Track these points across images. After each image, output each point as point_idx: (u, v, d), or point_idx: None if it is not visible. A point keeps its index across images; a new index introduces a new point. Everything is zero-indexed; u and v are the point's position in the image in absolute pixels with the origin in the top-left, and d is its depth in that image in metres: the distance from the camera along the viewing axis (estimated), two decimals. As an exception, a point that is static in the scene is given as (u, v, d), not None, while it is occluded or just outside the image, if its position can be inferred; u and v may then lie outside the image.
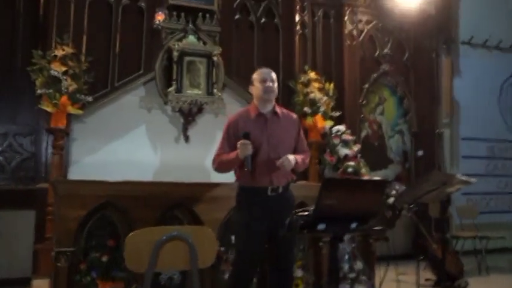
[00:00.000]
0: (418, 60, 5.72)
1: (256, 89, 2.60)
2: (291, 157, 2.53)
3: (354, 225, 2.08)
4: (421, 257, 4.06)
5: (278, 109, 2.65)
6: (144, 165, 4.23)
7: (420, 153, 5.49)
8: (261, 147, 2.51)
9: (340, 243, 2.21)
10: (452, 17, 5.70)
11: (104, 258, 2.86)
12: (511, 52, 6.10)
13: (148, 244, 1.86)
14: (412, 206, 3.30)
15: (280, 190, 2.54)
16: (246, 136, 2.46)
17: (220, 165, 2.58)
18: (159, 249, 1.88)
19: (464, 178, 3.14)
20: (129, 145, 4.28)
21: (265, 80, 2.58)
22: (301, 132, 2.72)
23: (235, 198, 2.61)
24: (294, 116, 2.73)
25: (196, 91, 4.46)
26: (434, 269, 4.19)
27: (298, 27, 5.01)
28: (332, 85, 4.86)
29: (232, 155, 2.51)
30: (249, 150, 2.45)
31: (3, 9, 4.03)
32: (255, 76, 2.63)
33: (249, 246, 2.51)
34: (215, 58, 4.50)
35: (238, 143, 2.46)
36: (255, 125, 2.56)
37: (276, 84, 2.63)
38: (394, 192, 4.67)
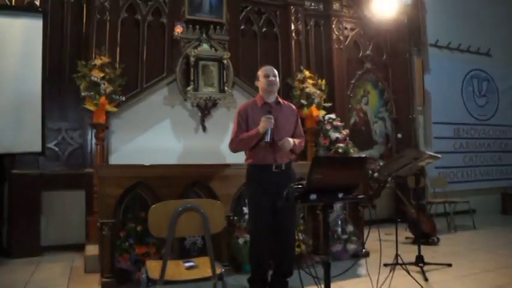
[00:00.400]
0: (395, 59, 5.68)
1: (261, 82, 2.61)
2: (290, 139, 2.54)
3: (340, 195, 2.05)
4: (400, 220, 4.07)
5: (280, 100, 2.66)
6: (169, 151, 4.24)
7: (399, 135, 5.50)
8: (267, 131, 2.47)
9: (331, 210, 2.19)
10: (421, 24, 5.69)
11: (139, 228, 2.87)
12: (469, 52, 6.19)
13: (167, 214, 1.85)
14: (392, 178, 3.26)
15: (283, 167, 2.55)
16: (270, 113, 2.46)
17: (239, 143, 2.54)
18: (177, 218, 1.86)
19: (432, 154, 3.14)
20: (156, 135, 4.28)
21: (268, 75, 2.60)
22: (299, 120, 2.72)
23: (246, 175, 2.61)
24: (293, 106, 2.74)
25: (210, 89, 4.44)
26: (412, 229, 4.21)
27: (293, 34, 4.95)
28: (324, 81, 4.80)
29: (253, 131, 2.50)
30: (272, 123, 2.45)
31: (54, 31, 4.05)
32: (260, 72, 2.64)
33: (259, 217, 2.51)
34: (225, 61, 4.47)
35: (264, 117, 2.44)
36: (262, 112, 2.55)
37: (277, 79, 2.63)
38: (378, 167, 4.63)
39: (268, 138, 2.45)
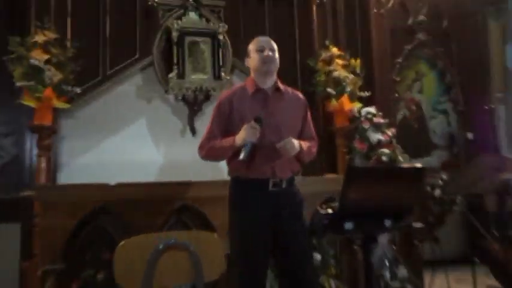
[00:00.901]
0: (461, 26, 5.63)
1: (253, 60, 2.56)
2: (295, 141, 2.47)
3: (388, 222, 2.06)
4: (477, 260, 3.93)
5: (281, 85, 2.59)
6: (145, 164, 4.21)
7: (470, 135, 5.43)
8: (261, 131, 2.42)
9: (374, 245, 2.18)
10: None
11: (100, 276, 2.84)
12: None
13: (142, 254, 1.81)
14: (462, 198, 3.20)
15: (284, 184, 2.47)
16: (258, 120, 2.39)
17: (210, 152, 2.51)
18: (156, 259, 1.82)
19: (522, 161, 3.07)
20: (126, 142, 4.26)
21: (262, 48, 2.55)
22: (309, 116, 2.67)
23: (228, 195, 2.53)
24: (301, 95, 2.69)
25: (201, 76, 4.42)
26: (497, 275, 4.05)
27: (315, -4, 4.94)
28: (358, 61, 4.77)
29: (229, 140, 2.45)
30: (256, 136, 2.38)
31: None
32: (251, 46, 2.60)
33: (249, 264, 2.39)
34: (221, 37, 4.46)
35: (246, 125, 2.38)
36: (253, 102, 2.50)
37: (276, 54, 2.58)
38: (440, 182, 4.57)
39: (244, 156, 2.37)
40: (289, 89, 2.67)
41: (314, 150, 2.65)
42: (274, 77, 2.59)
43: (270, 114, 2.49)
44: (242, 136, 2.39)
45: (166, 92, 4.39)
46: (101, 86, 4.24)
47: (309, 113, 2.68)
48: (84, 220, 2.90)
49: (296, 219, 2.47)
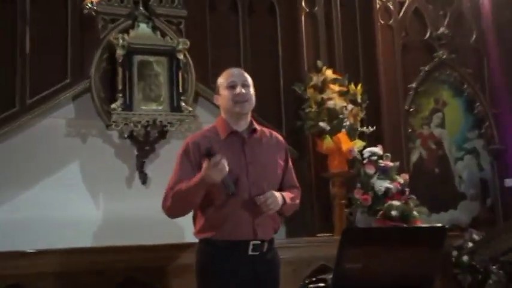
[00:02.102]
0: (497, 39, 5.73)
1: (223, 99, 2.77)
2: (277, 194, 2.66)
3: None
4: None
5: (257, 126, 2.81)
6: (77, 223, 4.15)
7: (509, 182, 5.40)
8: (238, 182, 2.60)
9: None
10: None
11: None
12: None
13: None
14: (500, 266, 3.23)
15: (265, 247, 2.67)
16: (209, 153, 2.52)
17: (175, 200, 2.61)
18: None
19: None
20: (52, 194, 4.21)
21: (233, 84, 2.73)
22: (290, 161, 2.89)
23: (195, 262, 2.68)
24: (279, 137, 2.92)
25: (154, 106, 4.46)
26: None
27: (303, 3, 5.05)
28: (360, 87, 4.86)
29: (195, 180, 2.56)
30: (225, 169, 2.51)
31: None
32: (220, 80, 2.81)
33: None
34: (181, 56, 4.52)
35: (206, 164, 2.50)
36: (228, 149, 2.66)
37: (251, 90, 2.78)
38: (470, 245, 4.58)
39: (232, 189, 2.56)
40: (266, 130, 2.87)
41: (297, 201, 2.83)
42: (249, 116, 2.78)
43: (249, 162, 2.67)
44: (212, 175, 2.50)
45: (107, 127, 4.40)
46: (18, 119, 4.21)
47: (289, 158, 2.88)
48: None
49: None
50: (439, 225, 2.67)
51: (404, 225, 4.10)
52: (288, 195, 2.75)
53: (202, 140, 2.72)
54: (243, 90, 2.72)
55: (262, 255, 2.65)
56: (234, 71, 2.84)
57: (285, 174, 2.82)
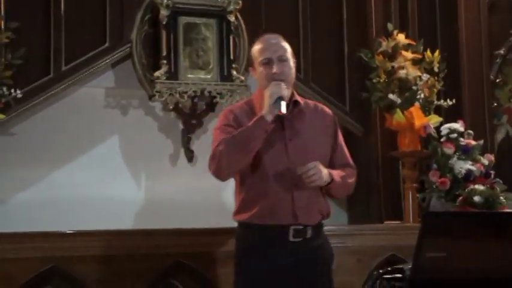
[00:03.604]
0: None
1: (258, 75, 2.81)
2: (323, 168, 2.64)
3: None
4: None
5: (299, 98, 2.83)
6: (117, 204, 4.23)
7: None
8: (275, 160, 2.65)
9: None
10: None
11: None
12: None
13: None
14: None
15: (310, 234, 2.69)
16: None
17: (227, 150, 2.63)
18: None
19: None
20: (89, 172, 4.28)
21: (268, 60, 2.74)
22: (340, 137, 2.91)
23: (235, 248, 2.78)
24: (328, 110, 2.94)
25: (202, 75, 4.48)
26: None
27: (371, -43, 5.00)
28: (438, 54, 4.78)
29: (255, 118, 2.63)
30: (282, 90, 2.61)
31: None
32: (254, 52, 2.85)
33: None
34: (232, 18, 4.52)
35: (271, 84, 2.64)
36: None
37: (291, 63, 2.79)
38: None
39: (283, 109, 2.60)
40: (311, 103, 2.92)
41: (351, 181, 2.83)
42: (290, 89, 2.76)
43: (289, 139, 2.70)
44: (266, 99, 2.60)
45: (150, 98, 4.43)
46: (53, 88, 4.26)
47: (340, 134, 2.90)
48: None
49: (322, 284, 2.71)
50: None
51: (492, 211, 4.01)
52: (337, 173, 2.75)
53: (237, 111, 2.80)
54: (280, 68, 2.72)
55: (306, 242, 2.67)
56: (269, 42, 2.81)
57: (334, 152, 2.84)
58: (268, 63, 2.73)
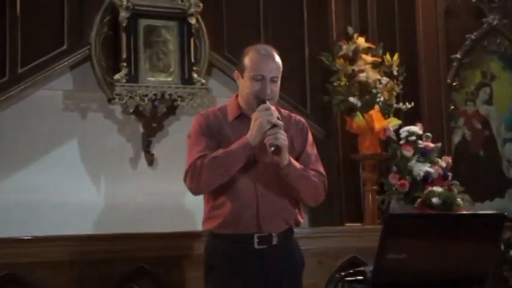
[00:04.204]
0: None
1: (243, 85, 2.79)
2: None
3: None
4: None
5: (274, 109, 2.75)
6: (76, 208, 4.19)
7: None
8: (243, 170, 2.67)
9: None
10: None
11: None
12: None
13: None
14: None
15: (275, 241, 2.69)
16: (261, 99, 2.67)
17: (209, 168, 2.63)
18: None
19: None
20: (47, 175, 4.23)
21: (261, 77, 2.72)
22: (310, 146, 2.91)
23: (204, 256, 2.77)
24: (302, 120, 2.95)
25: (163, 77, 4.46)
26: None
27: (332, -42, 5.02)
28: (397, 57, 4.83)
29: (238, 142, 2.64)
30: (274, 116, 2.62)
31: None
32: (248, 62, 2.78)
33: None
34: (193, 21, 4.51)
35: (256, 113, 2.62)
36: (233, 133, 2.72)
37: (278, 84, 2.79)
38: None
39: (276, 149, 2.60)
40: (285, 113, 2.91)
41: (316, 180, 2.79)
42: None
43: (259, 150, 2.67)
44: (256, 127, 2.59)
45: (110, 101, 4.41)
46: (9, 91, 4.21)
47: (310, 143, 2.90)
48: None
49: None
50: (497, 212, 2.65)
51: (450, 213, 4.07)
52: (298, 164, 2.74)
53: (213, 118, 2.80)
54: (271, 88, 2.72)
55: (273, 248, 2.69)
56: (266, 60, 2.76)
57: (300, 158, 2.82)
58: (260, 78, 2.71)
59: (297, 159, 2.79)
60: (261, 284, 2.65)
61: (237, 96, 2.86)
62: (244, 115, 2.77)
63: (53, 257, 3.00)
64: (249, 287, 2.66)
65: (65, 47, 4.36)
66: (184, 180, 2.72)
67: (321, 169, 2.90)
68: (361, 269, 2.23)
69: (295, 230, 2.87)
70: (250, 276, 2.65)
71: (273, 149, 2.57)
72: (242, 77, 2.79)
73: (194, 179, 2.66)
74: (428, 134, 4.62)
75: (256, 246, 2.66)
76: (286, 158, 2.64)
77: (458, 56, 5.38)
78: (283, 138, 2.59)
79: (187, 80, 4.46)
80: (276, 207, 2.71)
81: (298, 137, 2.86)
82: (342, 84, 4.70)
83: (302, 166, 2.77)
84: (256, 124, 2.59)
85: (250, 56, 2.79)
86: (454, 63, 5.37)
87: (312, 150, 2.91)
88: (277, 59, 2.80)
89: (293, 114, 2.98)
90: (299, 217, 2.84)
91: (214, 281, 2.71)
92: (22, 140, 4.25)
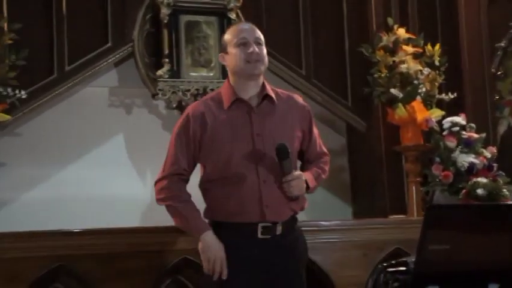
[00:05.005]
0: None
1: (232, 57, 2.71)
2: (303, 175, 2.68)
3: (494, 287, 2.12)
4: None
5: (271, 90, 2.74)
6: (123, 202, 4.25)
7: None
8: (243, 157, 2.62)
9: None
10: None
11: None
12: None
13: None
14: None
15: (279, 230, 2.64)
16: (284, 153, 2.62)
17: (169, 208, 2.73)
18: None
19: None
20: (94, 170, 4.30)
21: (245, 41, 2.67)
22: (315, 127, 2.85)
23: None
24: (301, 100, 2.86)
25: (204, 72, 4.50)
26: None
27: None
28: (438, 47, 4.78)
29: (193, 224, 2.69)
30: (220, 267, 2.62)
31: None
32: (228, 36, 2.77)
33: None
34: (233, 16, 4.53)
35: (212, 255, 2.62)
36: (231, 119, 2.66)
37: (264, 49, 2.72)
38: None
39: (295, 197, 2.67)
40: (284, 94, 2.82)
41: (327, 168, 2.84)
42: (261, 80, 2.73)
43: (257, 135, 2.65)
44: (204, 254, 2.63)
45: (153, 96, 4.45)
46: (57, 89, 4.27)
47: (314, 123, 2.85)
48: (35, 285, 2.92)
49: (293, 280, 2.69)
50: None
51: (495, 203, 4.01)
52: (313, 173, 2.76)
53: (203, 109, 2.72)
54: (256, 49, 2.65)
55: (276, 239, 2.64)
56: (245, 25, 2.82)
57: (308, 147, 2.81)
58: (244, 43, 2.66)
59: (303, 141, 2.79)
60: (264, 275, 2.61)
61: (228, 81, 2.78)
62: (240, 100, 2.69)
63: (101, 249, 3.03)
64: (252, 277, 2.61)
65: (109, 44, 4.42)
66: (155, 185, 2.80)
67: (324, 148, 2.90)
68: (404, 259, 2.24)
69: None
70: (253, 267, 2.61)
71: (293, 198, 2.64)
72: (227, 52, 2.73)
73: (161, 198, 2.76)
74: (472, 124, 4.53)
75: (259, 236, 2.62)
76: (303, 191, 2.68)
77: (503, 44, 5.30)
78: (297, 186, 2.61)
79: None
80: (281, 194, 2.64)
81: (301, 122, 2.79)
82: (383, 75, 4.67)
83: (317, 172, 2.78)
84: (206, 255, 2.62)
85: (229, 31, 2.80)
86: (498, 52, 5.29)
87: (316, 131, 2.87)
88: (256, 28, 2.78)
89: (294, 96, 2.88)
90: (303, 203, 2.77)
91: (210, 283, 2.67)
92: (70, 136, 4.33)
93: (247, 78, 2.68)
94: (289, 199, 2.65)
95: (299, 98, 2.89)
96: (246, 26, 2.81)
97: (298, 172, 2.65)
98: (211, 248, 2.59)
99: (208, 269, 2.59)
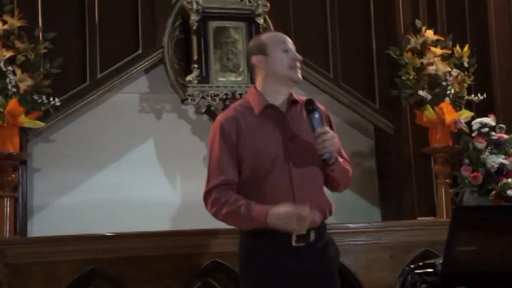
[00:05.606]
0: None
1: (273, 61, 2.66)
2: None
3: None
4: None
5: (296, 96, 2.73)
6: (154, 206, 4.29)
7: None
8: (277, 161, 2.57)
9: None
10: None
11: None
12: None
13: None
14: None
15: (312, 237, 2.58)
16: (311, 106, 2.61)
17: (227, 216, 2.57)
18: None
19: None
20: (126, 175, 4.35)
21: (288, 49, 2.67)
22: (335, 131, 2.76)
23: (239, 256, 2.67)
24: (322, 106, 2.78)
25: (233, 77, 4.52)
26: None
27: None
28: (467, 49, 4.75)
29: (259, 214, 2.50)
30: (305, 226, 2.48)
31: None
32: (269, 38, 2.74)
33: None
34: (261, 21, 4.55)
35: (289, 213, 2.45)
36: (263, 125, 2.63)
37: None
38: None
39: (327, 157, 2.57)
40: (301, 98, 2.76)
41: (348, 169, 2.75)
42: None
43: (290, 140, 2.63)
44: (283, 223, 2.46)
45: (183, 102, 4.50)
46: (89, 96, 4.34)
47: (333, 127, 2.79)
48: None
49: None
50: None
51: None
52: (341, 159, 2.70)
53: (236, 116, 2.66)
54: (299, 57, 2.68)
55: (310, 246, 2.58)
56: (284, 36, 2.76)
57: None
58: (286, 51, 2.66)
59: None
60: (298, 285, 2.56)
61: (255, 87, 2.74)
62: (271, 106, 2.66)
63: (133, 253, 3.08)
64: (286, 286, 2.56)
65: (139, 51, 4.48)
66: (205, 202, 2.64)
67: (346, 155, 2.82)
68: (431, 261, 2.23)
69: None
70: (287, 277, 2.55)
71: (324, 157, 2.54)
72: (267, 54, 2.66)
73: (215, 211, 2.59)
74: (502, 125, 4.47)
75: (294, 244, 2.54)
76: (334, 155, 2.60)
77: (536, 45, 5.25)
78: (331, 144, 2.55)
79: (257, 78, 4.52)
80: (313, 199, 2.57)
81: (326, 126, 2.69)
82: (411, 77, 4.65)
83: (341, 158, 2.72)
84: (284, 221, 2.45)
85: (269, 35, 2.81)
86: (530, 52, 5.24)
87: (337, 138, 2.75)
88: None
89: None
90: (331, 206, 2.71)
91: (251, 281, 2.63)
92: (102, 142, 4.38)
93: (285, 84, 2.68)
94: (316, 199, 2.61)
95: (319, 104, 2.83)
96: (285, 36, 2.76)
97: (330, 134, 2.58)
98: (281, 219, 2.45)
99: (296, 229, 2.49)
